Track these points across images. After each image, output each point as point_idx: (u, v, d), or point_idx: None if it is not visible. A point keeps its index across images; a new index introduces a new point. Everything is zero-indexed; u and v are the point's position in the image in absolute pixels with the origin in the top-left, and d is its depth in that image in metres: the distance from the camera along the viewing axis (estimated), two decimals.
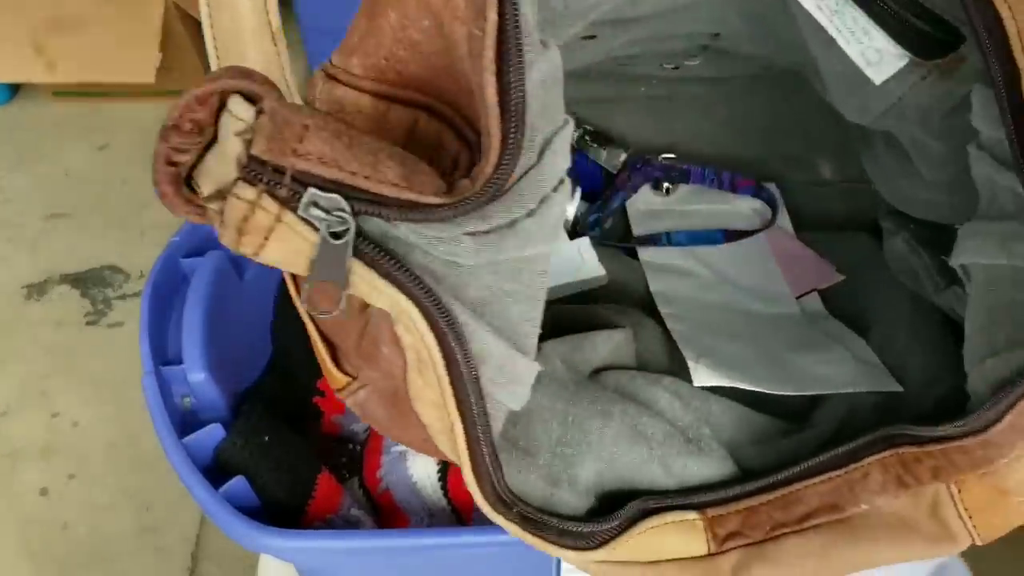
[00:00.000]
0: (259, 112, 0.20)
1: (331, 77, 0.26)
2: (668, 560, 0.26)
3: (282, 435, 0.49)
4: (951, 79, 0.30)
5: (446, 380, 0.24)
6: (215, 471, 0.45)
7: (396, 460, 0.53)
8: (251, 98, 0.21)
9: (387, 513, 0.52)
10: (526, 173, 0.23)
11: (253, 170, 0.21)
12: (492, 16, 0.21)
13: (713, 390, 0.35)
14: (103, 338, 1.07)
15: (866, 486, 0.27)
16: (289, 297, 0.59)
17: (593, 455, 0.29)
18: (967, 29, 0.28)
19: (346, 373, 0.30)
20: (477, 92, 0.22)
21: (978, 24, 0.25)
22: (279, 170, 0.20)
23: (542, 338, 0.34)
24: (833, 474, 0.27)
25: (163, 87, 1.26)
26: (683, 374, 0.36)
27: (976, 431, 0.26)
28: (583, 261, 0.43)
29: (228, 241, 0.22)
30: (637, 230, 0.47)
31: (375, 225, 0.22)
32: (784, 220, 0.48)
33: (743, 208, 0.47)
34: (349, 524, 0.49)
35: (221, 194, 0.21)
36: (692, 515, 0.27)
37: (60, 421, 1.00)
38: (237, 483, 0.44)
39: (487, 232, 0.23)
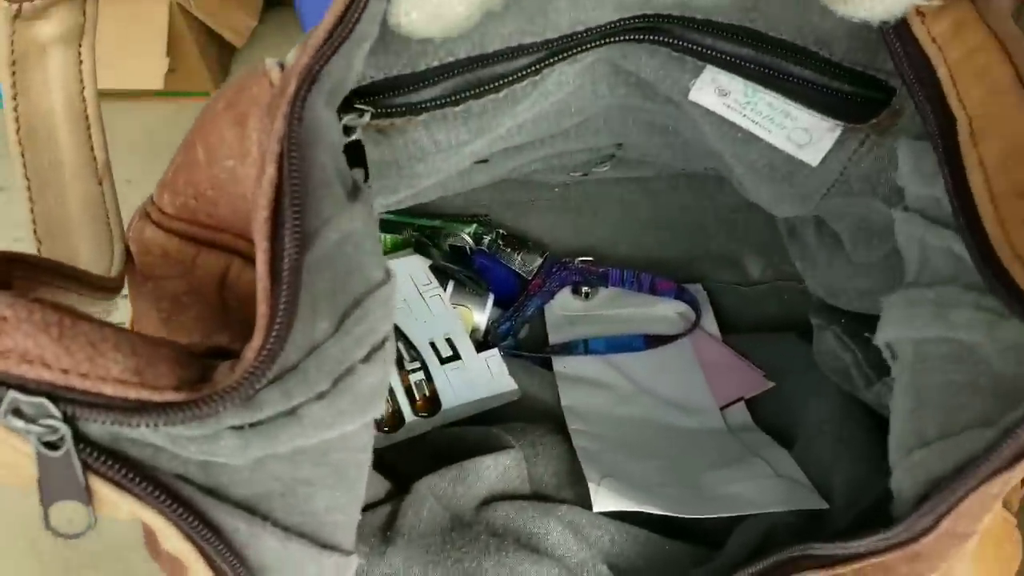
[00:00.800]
0: None
1: (145, 215, 0.23)
2: None
3: None
4: (892, 137, 0.26)
5: None
6: None
7: None
8: None
9: None
10: (315, 349, 0.19)
11: None
12: (269, 170, 0.18)
13: (617, 515, 0.33)
14: None
15: None
16: None
17: None
18: (896, 80, 0.25)
19: None
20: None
21: (907, 72, 0.22)
22: None
23: (419, 474, 0.32)
24: None
25: (167, 88, 1.26)
26: (585, 498, 0.33)
27: (904, 542, 0.21)
28: (492, 376, 0.41)
29: None
30: (554, 338, 0.44)
31: (102, 429, 0.18)
32: (709, 323, 0.45)
33: (666, 312, 0.45)
34: None
35: None
36: None
37: None
38: None
39: (258, 424, 0.19)
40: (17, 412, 0.17)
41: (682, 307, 0.46)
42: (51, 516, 0.19)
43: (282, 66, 0.21)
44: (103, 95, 1.10)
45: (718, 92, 0.27)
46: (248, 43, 1.32)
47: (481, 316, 0.46)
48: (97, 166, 0.24)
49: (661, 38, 0.27)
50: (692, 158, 0.36)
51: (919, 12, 0.22)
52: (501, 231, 0.49)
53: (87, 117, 0.24)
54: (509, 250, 0.49)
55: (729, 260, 0.47)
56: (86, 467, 0.18)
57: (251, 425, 0.19)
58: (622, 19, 0.26)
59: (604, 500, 0.33)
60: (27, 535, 0.92)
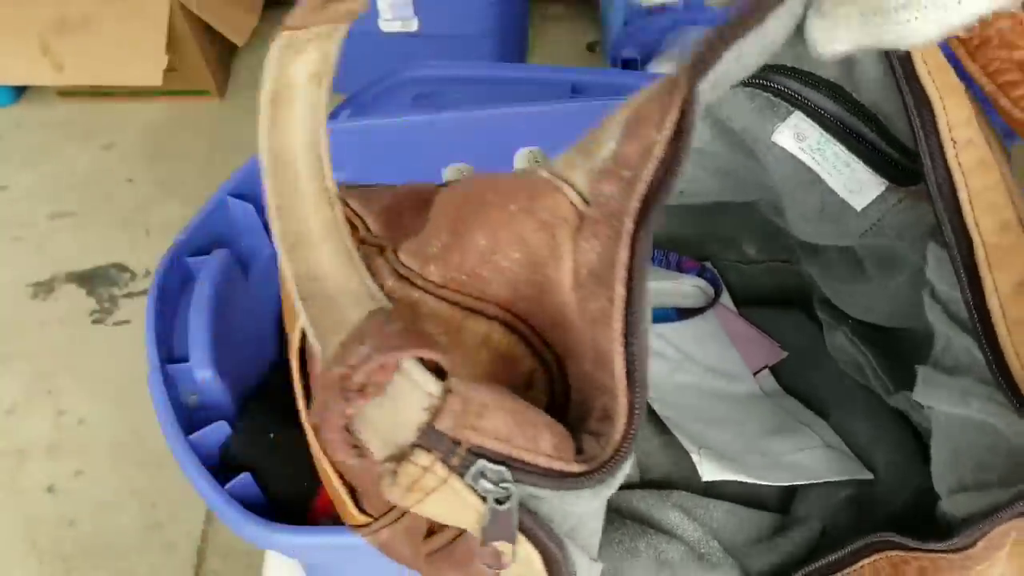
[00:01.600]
0: (447, 391, 0.22)
1: (404, 278, 0.27)
2: None
3: (288, 432, 0.49)
4: (924, 202, 0.31)
5: None
6: (221, 468, 0.45)
7: None
8: (429, 366, 0.22)
9: None
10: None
11: (430, 438, 0.22)
12: (620, 290, 0.22)
13: (709, 491, 0.37)
14: (109, 336, 1.08)
15: None
16: None
17: None
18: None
19: (366, 513, 0.31)
20: (593, 354, 0.24)
21: (933, 184, 0.27)
22: (455, 442, 0.22)
23: None
24: None
25: (168, 87, 1.26)
26: (678, 470, 0.37)
27: (960, 548, 0.28)
28: None
29: (394, 497, 0.23)
30: None
31: (522, 490, 0.23)
32: (726, 298, 0.49)
33: (690, 286, 0.49)
34: None
35: (396, 456, 0.22)
36: None
37: (66, 419, 1.00)
38: (243, 479, 0.44)
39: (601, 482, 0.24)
40: (483, 475, 0.22)
41: (702, 283, 0.49)
42: (477, 553, 0.24)
43: (572, 186, 0.25)
44: (104, 93, 1.10)
45: (797, 137, 0.33)
46: (249, 42, 1.32)
47: None
48: (329, 194, 0.27)
49: (765, 83, 0.32)
50: (738, 194, 0.41)
51: (953, 140, 0.27)
52: None
53: (319, 151, 0.27)
54: None
55: (732, 241, 0.51)
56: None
57: (598, 483, 0.24)
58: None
59: (709, 470, 0.36)
60: (28, 535, 0.92)
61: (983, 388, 0.28)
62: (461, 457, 0.22)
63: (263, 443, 0.47)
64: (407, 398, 0.22)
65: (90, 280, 1.13)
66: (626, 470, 0.24)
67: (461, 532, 0.26)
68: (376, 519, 0.30)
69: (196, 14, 1.24)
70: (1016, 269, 0.26)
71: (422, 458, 0.22)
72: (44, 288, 1.12)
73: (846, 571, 0.30)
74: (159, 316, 0.48)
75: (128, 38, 1.20)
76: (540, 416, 0.23)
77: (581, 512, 0.25)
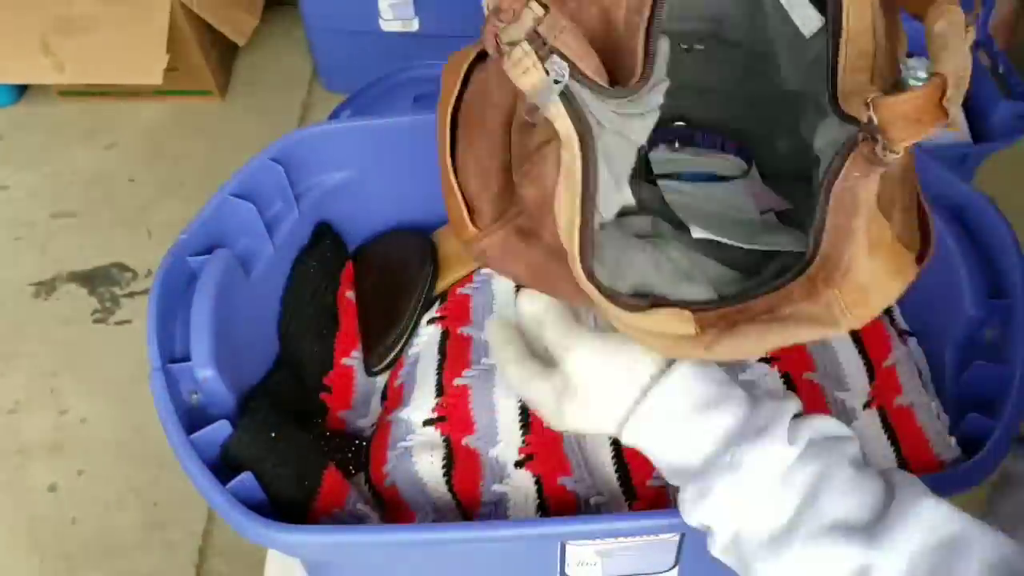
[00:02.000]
0: (547, 12, 0.37)
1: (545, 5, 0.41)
2: (669, 334, 0.41)
3: (289, 431, 0.49)
4: None
5: (579, 187, 0.38)
6: (222, 467, 0.45)
7: (402, 456, 0.54)
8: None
9: (393, 508, 0.52)
10: (649, 91, 0.42)
11: (534, 38, 0.37)
12: (647, 13, 0.40)
13: (703, 252, 0.48)
14: (111, 336, 1.08)
15: (789, 299, 0.41)
16: (295, 295, 0.60)
17: (633, 271, 0.43)
18: None
19: (477, 227, 0.45)
20: (630, 47, 0.41)
21: (830, 6, 0.40)
22: (544, 41, 0.37)
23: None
24: (771, 294, 0.41)
25: (169, 87, 1.26)
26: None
27: (820, 230, 0.39)
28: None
29: (507, 67, 0.37)
30: (657, 171, 0.61)
31: (575, 88, 0.38)
32: (755, 172, 0.61)
33: (727, 160, 0.62)
34: (355, 519, 0.49)
35: (513, 44, 0.37)
36: (687, 312, 0.41)
37: (68, 418, 1.00)
38: (244, 479, 0.44)
39: (619, 115, 0.40)
40: (554, 62, 0.37)
41: (738, 160, 0.61)
42: (523, 106, 0.41)
43: None
44: (105, 93, 1.11)
45: None
46: (250, 42, 1.32)
47: None
48: None
49: None
50: (758, 40, 0.53)
51: None
52: None
53: None
54: None
55: (766, 138, 0.62)
56: (563, 97, 0.37)
57: (617, 114, 0.41)
58: None
59: (698, 231, 0.48)
60: (30, 534, 0.92)
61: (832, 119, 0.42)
62: (546, 51, 0.36)
63: (264, 442, 0.47)
64: (526, 16, 0.37)
65: (91, 280, 1.13)
66: (634, 108, 0.41)
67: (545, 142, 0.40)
68: (482, 230, 0.45)
69: (197, 14, 1.23)
70: (862, 40, 0.41)
71: (525, 46, 0.36)
72: (46, 288, 1.12)
73: (780, 290, 0.41)
74: (160, 315, 0.48)
75: (129, 38, 1.20)
76: (594, 55, 0.38)
77: (604, 129, 0.39)
